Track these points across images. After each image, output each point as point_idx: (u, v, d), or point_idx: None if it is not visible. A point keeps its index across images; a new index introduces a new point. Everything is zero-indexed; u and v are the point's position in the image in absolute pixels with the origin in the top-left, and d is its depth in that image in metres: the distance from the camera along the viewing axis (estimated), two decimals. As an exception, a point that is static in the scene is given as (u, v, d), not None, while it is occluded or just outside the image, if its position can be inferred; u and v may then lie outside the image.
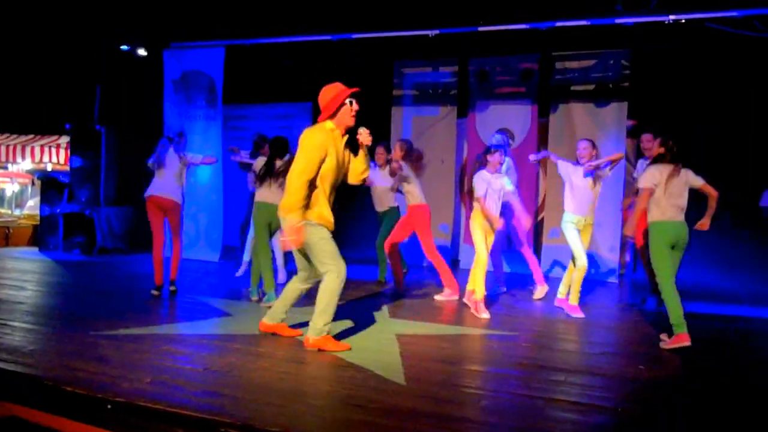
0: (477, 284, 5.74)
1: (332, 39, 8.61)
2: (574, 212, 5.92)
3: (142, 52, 9.64)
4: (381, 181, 7.22)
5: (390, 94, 9.87)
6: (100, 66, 9.75)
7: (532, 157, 6.60)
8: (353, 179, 4.57)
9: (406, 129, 9.86)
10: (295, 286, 4.70)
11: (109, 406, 3.13)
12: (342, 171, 4.44)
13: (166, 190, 6.20)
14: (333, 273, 4.27)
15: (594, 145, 5.96)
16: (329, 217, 4.36)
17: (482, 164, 5.90)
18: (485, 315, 5.62)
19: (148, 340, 4.41)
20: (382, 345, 4.50)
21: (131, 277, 7.49)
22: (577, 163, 5.96)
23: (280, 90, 10.50)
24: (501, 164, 5.92)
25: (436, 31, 8.16)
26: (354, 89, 4.35)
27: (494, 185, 5.80)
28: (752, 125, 8.32)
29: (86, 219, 9.34)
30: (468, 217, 6.31)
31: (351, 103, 4.32)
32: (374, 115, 9.96)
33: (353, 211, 8.54)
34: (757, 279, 8.06)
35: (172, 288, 6.27)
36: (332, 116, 4.34)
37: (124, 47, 9.49)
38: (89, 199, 9.53)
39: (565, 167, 6.01)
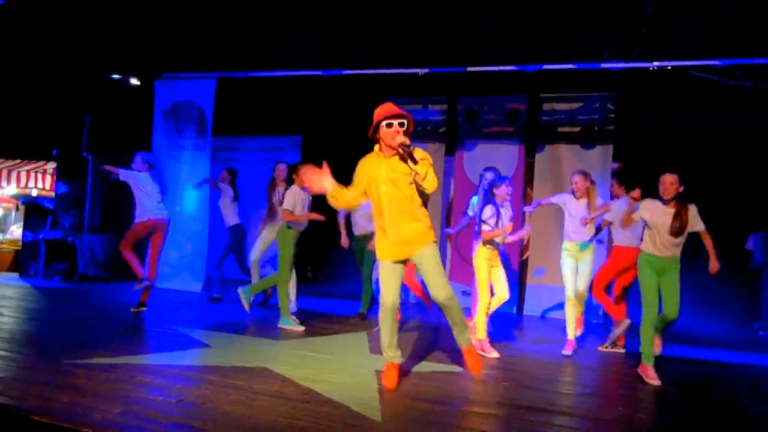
0: (479, 324, 5.69)
1: (323, 75, 8.71)
2: (569, 239, 6.03)
3: (134, 81, 9.68)
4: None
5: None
6: (91, 94, 9.78)
7: (527, 209, 6.58)
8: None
9: (394, 165, 9.91)
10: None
11: (76, 437, 3.06)
12: (395, 193, 4.26)
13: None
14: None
15: (587, 177, 6.04)
16: (378, 247, 4.46)
17: (489, 199, 5.75)
18: (494, 354, 5.61)
19: (122, 369, 4.34)
20: (361, 381, 4.44)
21: (110, 306, 7.39)
22: (572, 195, 6.04)
23: (270, 123, 10.58)
24: (509, 196, 5.78)
25: (426, 70, 8.28)
26: (392, 112, 4.23)
27: (503, 217, 5.72)
28: (739, 169, 8.44)
29: (68, 246, 9.26)
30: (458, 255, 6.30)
31: (389, 125, 4.19)
32: (365, 151, 10.12)
33: (337, 245, 8.51)
34: (736, 323, 8.11)
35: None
36: (375, 139, 4.35)
37: (115, 76, 9.54)
38: (73, 225, 9.47)
39: (559, 198, 6.16)
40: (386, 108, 4.29)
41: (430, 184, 4.15)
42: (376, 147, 4.38)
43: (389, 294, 4.38)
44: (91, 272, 9.36)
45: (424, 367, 5.10)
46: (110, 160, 9.70)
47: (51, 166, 10.81)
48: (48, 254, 9.38)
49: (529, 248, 9.24)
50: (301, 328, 6.33)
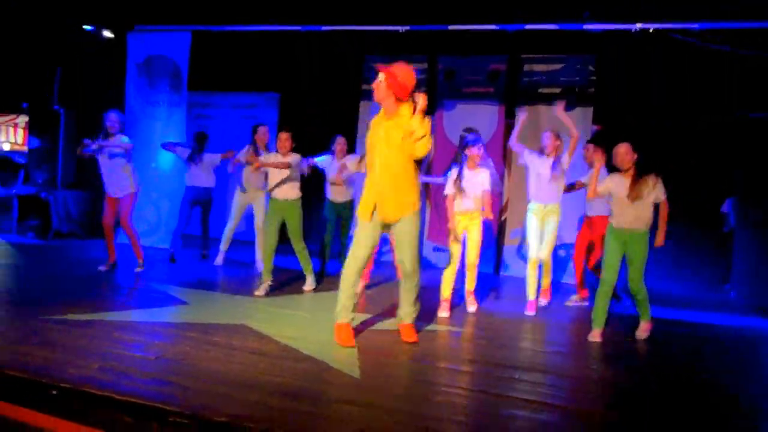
0: (444, 284, 5.74)
1: (301, 30, 8.55)
2: (534, 199, 6.03)
3: (106, 33, 9.41)
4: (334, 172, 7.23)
5: (359, 89, 9.83)
6: (62, 45, 9.49)
7: (512, 143, 6.41)
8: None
9: (372, 123, 9.84)
10: None
11: (54, 392, 3.05)
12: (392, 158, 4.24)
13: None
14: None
15: (558, 136, 6.02)
16: (362, 205, 4.43)
17: (460, 160, 5.73)
18: (445, 314, 5.66)
19: (99, 326, 4.32)
20: (339, 338, 4.48)
21: (85, 262, 7.31)
22: (541, 154, 6.02)
23: (247, 79, 10.37)
24: (481, 158, 5.74)
25: (407, 27, 8.17)
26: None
27: (471, 181, 5.68)
28: (718, 133, 8.51)
29: (42, 202, 9.09)
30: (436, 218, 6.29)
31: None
32: (343, 109, 10.03)
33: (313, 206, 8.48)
34: (708, 284, 8.29)
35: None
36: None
37: (87, 27, 9.26)
38: (46, 181, 9.29)
39: (530, 158, 6.09)
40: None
41: (422, 148, 4.14)
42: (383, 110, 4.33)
43: (360, 252, 4.38)
44: (66, 228, 9.22)
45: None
46: (82, 115, 9.52)
47: (23, 119, 10.55)
48: (21, 210, 9.20)
49: (507, 209, 9.29)
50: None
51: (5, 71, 9.98)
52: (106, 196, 6.78)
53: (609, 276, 5.09)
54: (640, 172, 5.01)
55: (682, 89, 8.39)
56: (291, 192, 6.14)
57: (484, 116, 9.33)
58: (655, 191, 5.00)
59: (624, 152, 5.00)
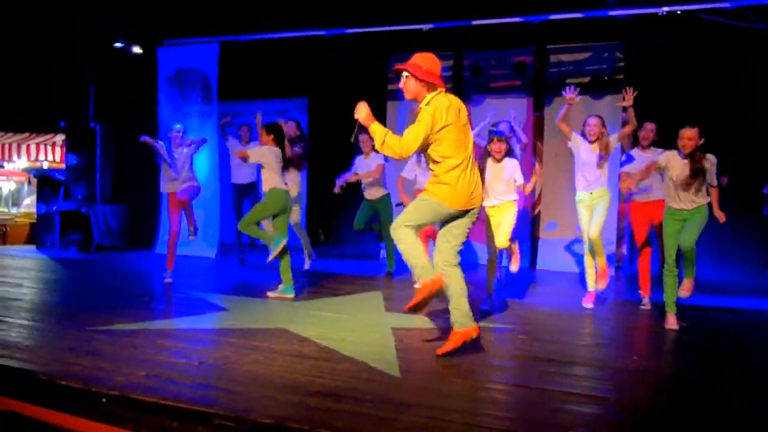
0: (488, 282, 5.83)
1: (326, 35, 8.62)
2: (580, 189, 5.89)
3: (136, 49, 9.62)
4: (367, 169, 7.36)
5: (385, 89, 9.86)
6: (94, 64, 9.74)
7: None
8: None
9: (401, 123, 9.85)
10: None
11: (103, 400, 3.14)
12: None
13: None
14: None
15: (603, 123, 5.84)
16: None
17: (486, 154, 5.69)
18: (487, 307, 5.62)
19: (143, 334, 4.42)
20: (378, 339, 4.51)
21: (128, 274, 7.50)
22: (585, 138, 5.90)
23: (276, 86, 10.51)
24: (503, 152, 5.63)
25: (430, 26, 8.17)
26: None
27: (498, 175, 5.64)
28: (750, 114, 8.31)
29: (82, 216, 9.34)
30: None
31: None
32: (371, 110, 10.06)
33: (347, 207, 8.53)
34: (749, 269, 8.10)
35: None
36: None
37: (117, 44, 9.48)
38: (85, 196, 9.53)
39: (577, 140, 5.90)
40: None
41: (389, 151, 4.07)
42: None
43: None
44: (108, 242, 9.45)
45: (439, 323, 5.14)
46: (117, 130, 9.74)
47: (60, 138, 10.82)
48: (62, 226, 9.47)
49: (540, 202, 9.21)
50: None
51: (41, 92, 10.29)
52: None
53: (671, 257, 5.11)
54: (700, 158, 4.95)
55: (714, 71, 8.23)
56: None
57: (512, 109, 9.25)
58: (710, 174, 4.99)
59: (688, 137, 4.94)
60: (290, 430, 2.73)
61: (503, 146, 5.59)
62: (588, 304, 5.89)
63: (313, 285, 6.59)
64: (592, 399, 3.32)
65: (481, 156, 5.68)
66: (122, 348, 4.01)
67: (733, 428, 3.07)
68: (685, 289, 5.21)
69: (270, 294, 5.99)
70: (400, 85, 4.20)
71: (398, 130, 9.74)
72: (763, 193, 8.45)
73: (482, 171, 5.64)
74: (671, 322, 5.08)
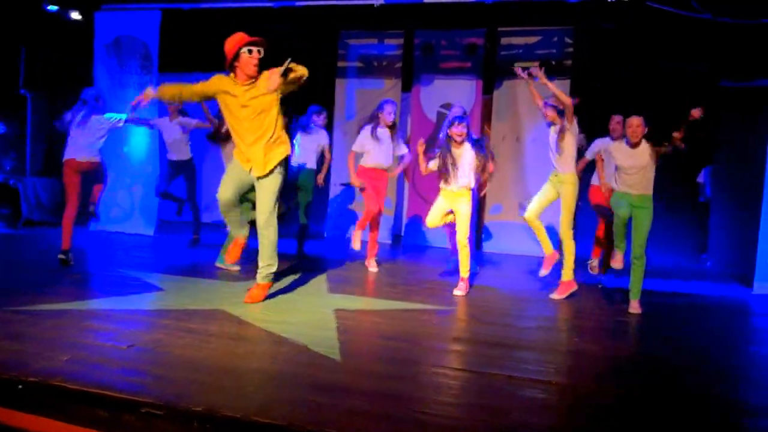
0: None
1: (273, 6, 8.33)
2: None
3: (74, 14, 9.08)
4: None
5: (335, 66, 9.64)
6: (27, 26, 9.15)
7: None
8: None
9: (349, 102, 9.68)
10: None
11: (20, 386, 2.91)
12: (252, 118, 4.58)
13: (85, 153, 6.25)
14: None
15: (554, 106, 5.63)
16: (238, 156, 4.71)
17: (444, 141, 5.64)
18: (459, 292, 5.53)
19: (69, 316, 4.16)
20: (319, 320, 4.37)
21: (57, 252, 7.09)
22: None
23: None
24: (464, 136, 5.56)
25: (382, 1, 7.98)
26: (253, 39, 4.56)
27: (459, 160, 5.57)
28: (694, 103, 8.44)
29: (10, 189, 8.83)
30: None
31: (250, 51, 4.50)
32: (318, 87, 9.82)
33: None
34: (686, 254, 8.32)
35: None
36: (230, 66, 4.58)
37: (52, 8, 8.93)
38: (14, 168, 9.01)
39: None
40: (242, 36, 4.59)
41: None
42: (232, 75, 4.61)
43: (223, 192, 4.72)
44: (37, 217, 8.97)
45: (383, 305, 5.06)
46: (50, 99, 9.22)
47: (-12, 105, 10.22)
48: (-12, 198, 8.94)
49: (486, 185, 9.19)
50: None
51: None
52: None
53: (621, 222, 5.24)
54: (647, 143, 5.09)
55: (660, 59, 8.33)
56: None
57: (461, 91, 9.20)
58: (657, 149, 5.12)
59: (637, 125, 5.07)
60: (222, 419, 2.58)
61: (464, 130, 5.52)
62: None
63: (254, 264, 6.33)
64: (531, 382, 3.28)
65: (443, 141, 5.62)
66: (44, 330, 3.76)
67: (679, 411, 3.08)
68: (617, 261, 5.37)
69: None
70: (260, 56, 4.57)
71: (347, 109, 9.59)
72: (698, 182, 8.67)
73: (444, 157, 5.57)
74: (634, 307, 5.19)
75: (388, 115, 6.31)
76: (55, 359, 3.19)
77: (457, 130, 5.54)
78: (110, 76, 9.03)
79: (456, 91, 9.21)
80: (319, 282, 5.84)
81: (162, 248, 7.67)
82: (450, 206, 5.67)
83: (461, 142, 5.57)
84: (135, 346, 3.52)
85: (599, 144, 6.27)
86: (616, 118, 6.28)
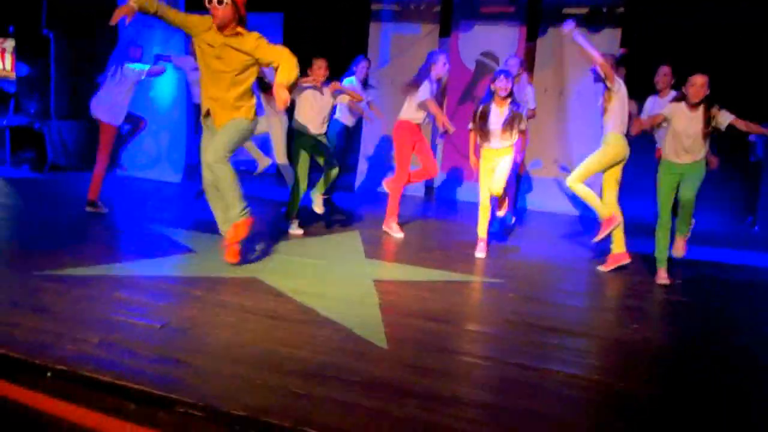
0: (479, 226, 5.45)
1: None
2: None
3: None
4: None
5: (368, 9, 9.13)
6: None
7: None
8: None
9: (384, 47, 9.20)
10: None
11: (49, 374, 2.71)
12: (220, 72, 4.34)
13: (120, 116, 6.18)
14: None
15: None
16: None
17: (487, 96, 5.36)
18: (481, 254, 5.35)
19: (98, 283, 3.94)
20: (360, 295, 4.11)
21: (81, 200, 6.89)
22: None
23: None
24: (508, 91, 5.24)
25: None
26: None
27: (500, 118, 5.24)
28: (751, 60, 7.89)
29: (35, 133, 8.61)
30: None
31: (209, 1, 4.22)
32: (350, 32, 9.34)
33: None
34: (733, 217, 7.93)
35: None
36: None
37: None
38: (38, 111, 8.76)
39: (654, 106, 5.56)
40: None
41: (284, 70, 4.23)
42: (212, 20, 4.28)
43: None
44: (63, 161, 8.77)
45: (424, 274, 4.79)
46: (74, 40, 8.87)
47: (10, 44, 9.87)
48: (13, 142, 8.73)
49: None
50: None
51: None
52: None
53: (665, 211, 4.90)
54: (710, 107, 4.70)
55: (719, 9, 7.73)
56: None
57: (503, 39, 8.69)
58: (723, 118, 4.72)
59: (701, 84, 4.66)
60: (267, 426, 2.35)
61: (509, 85, 5.14)
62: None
63: (280, 222, 6.08)
64: (594, 384, 3.01)
65: (486, 95, 5.28)
66: (74, 302, 3.55)
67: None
68: (678, 248, 5.11)
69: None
70: (218, 8, 4.22)
71: (380, 55, 9.11)
72: (749, 141, 8.17)
73: (486, 113, 5.23)
74: (662, 277, 4.92)
75: (442, 67, 5.84)
76: (86, 342, 2.98)
77: (501, 85, 5.20)
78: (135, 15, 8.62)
79: (497, 38, 8.71)
80: (354, 243, 5.59)
81: (189, 198, 7.37)
82: (493, 169, 5.33)
83: (505, 98, 5.22)
84: (168, 326, 3.29)
85: (653, 103, 5.81)
86: (663, 70, 5.85)
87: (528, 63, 8.62)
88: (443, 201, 8.82)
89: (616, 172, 5.13)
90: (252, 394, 2.56)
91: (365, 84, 6.94)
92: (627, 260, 5.17)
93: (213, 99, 4.42)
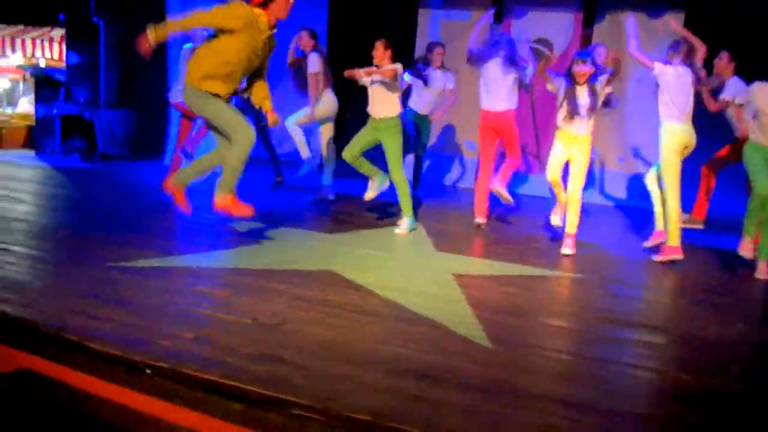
0: (569, 219, 5.17)
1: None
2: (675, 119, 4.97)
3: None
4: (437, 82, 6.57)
5: (418, -7, 8.92)
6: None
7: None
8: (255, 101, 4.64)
9: (433, 34, 8.96)
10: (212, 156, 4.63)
11: (148, 371, 2.58)
12: (255, 61, 4.32)
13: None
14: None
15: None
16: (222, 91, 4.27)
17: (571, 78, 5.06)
18: (568, 251, 5.08)
19: (175, 275, 3.83)
20: (442, 289, 3.94)
21: (138, 190, 6.81)
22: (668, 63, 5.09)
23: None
24: (587, 76, 4.96)
25: None
26: None
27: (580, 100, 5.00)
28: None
29: (86, 122, 8.53)
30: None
31: None
32: (398, 18, 9.12)
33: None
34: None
35: None
36: (264, 4, 4.15)
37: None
38: (88, 99, 8.68)
39: (665, 69, 5.01)
40: None
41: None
42: (258, 9, 4.14)
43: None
44: (113, 151, 8.69)
45: (502, 269, 4.60)
46: (122, 26, 8.75)
47: (58, 33, 9.82)
48: (64, 131, 8.66)
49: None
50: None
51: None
52: None
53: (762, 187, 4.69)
54: None
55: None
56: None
57: (558, 24, 8.41)
58: None
59: None
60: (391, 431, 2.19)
61: (588, 69, 4.90)
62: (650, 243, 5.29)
63: (341, 213, 5.93)
64: (708, 398, 2.80)
65: (565, 78, 5.05)
66: (154, 294, 3.43)
67: None
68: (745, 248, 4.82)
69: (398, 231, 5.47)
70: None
71: (429, 40, 8.85)
72: None
73: (571, 96, 5.00)
74: (762, 271, 4.67)
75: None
76: (179, 337, 2.85)
77: (580, 69, 4.95)
78: (184, 1, 8.50)
79: (552, 25, 8.41)
80: (420, 236, 5.41)
81: (243, 188, 7.18)
82: (567, 154, 5.11)
83: (584, 84, 4.99)
84: (258, 321, 3.15)
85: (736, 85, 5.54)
86: (723, 55, 5.64)
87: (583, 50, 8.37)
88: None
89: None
90: (369, 397, 2.40)
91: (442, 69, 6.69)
92: (680, 256, 4.88)
93: (235, 82, 4.34)
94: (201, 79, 4.21)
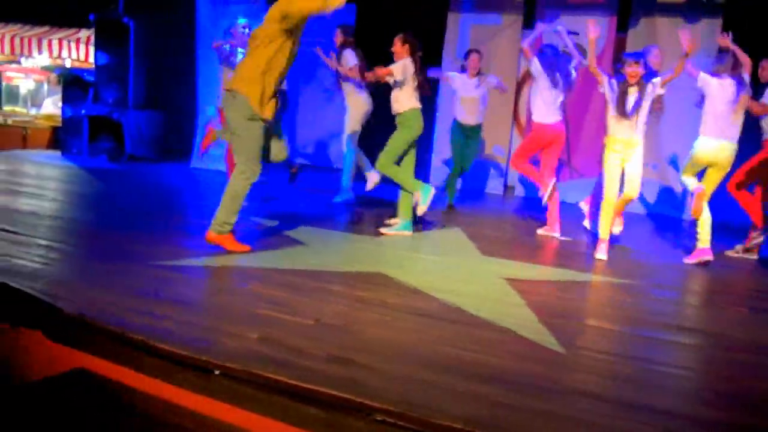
0: (602, 223, 5.09)
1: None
2: (709, 134, 5.03)
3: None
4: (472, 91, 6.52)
5: (446, -2, 8.84)
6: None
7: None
8: None
9: (462, 38, 8.88)
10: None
11: (216, 372, 2.48)
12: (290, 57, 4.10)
13: None
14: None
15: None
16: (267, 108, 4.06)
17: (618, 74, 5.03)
18: (602, 256, 4.99)
19: (226, 275, 3.75)
20: (498, 293, 3.83)
21: (169, 191, 6.75)
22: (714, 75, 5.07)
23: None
24: (638, 77, 4.89)
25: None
26: None
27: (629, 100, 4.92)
28: None
29: (113, 123, 8.50)
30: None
31: None
32: (427, 23, 9.03)
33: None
34: None
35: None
36: None
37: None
38: (116, 100, 8.64)
39: (709, 81, 5.04)
40: None
41: None
42: None
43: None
44: (140, 152, 8.65)
45: (551, 273, 4.54)
46: (151, 27, 8.72)
47: (85, 33, 9.81)
48: (91, 131, 8.63)
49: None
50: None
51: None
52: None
53: None
54: None
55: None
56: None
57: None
58: None
59: None
60: (484, 439, 2.07)
61: (640, 69, 4.80)
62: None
63: (380, 217, 5.81)
64: None
65: (616, 77, 4.95)
66: (208, 294, 3.35)
67: None
68: None
69: (384, 231, 5.29)
70: None
71: (459, 48, 8.77)
72: None
73: (624, 94, 4.89)
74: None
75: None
76: (244, 338, 2.74)
77: (632, 70, 4.86)
78: (214, 3, 8.46)
79: (585, 29, 8.28)
80: (462, 240, 5.31)
81: (271, 189, 7.06)
82: (621, 163, 5.00)
83: (635, 84, 4.88)
84: (321, 322, 3.04)
85: None
86: (764, 64, 5.53)
87: (618, 55, 8.25)
88: (521, 198, 8.49)
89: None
90: (457, 403, 2.28)
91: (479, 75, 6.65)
92: (710, 257, 4.95)
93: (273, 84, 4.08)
94: (262, 104, 4.02)
